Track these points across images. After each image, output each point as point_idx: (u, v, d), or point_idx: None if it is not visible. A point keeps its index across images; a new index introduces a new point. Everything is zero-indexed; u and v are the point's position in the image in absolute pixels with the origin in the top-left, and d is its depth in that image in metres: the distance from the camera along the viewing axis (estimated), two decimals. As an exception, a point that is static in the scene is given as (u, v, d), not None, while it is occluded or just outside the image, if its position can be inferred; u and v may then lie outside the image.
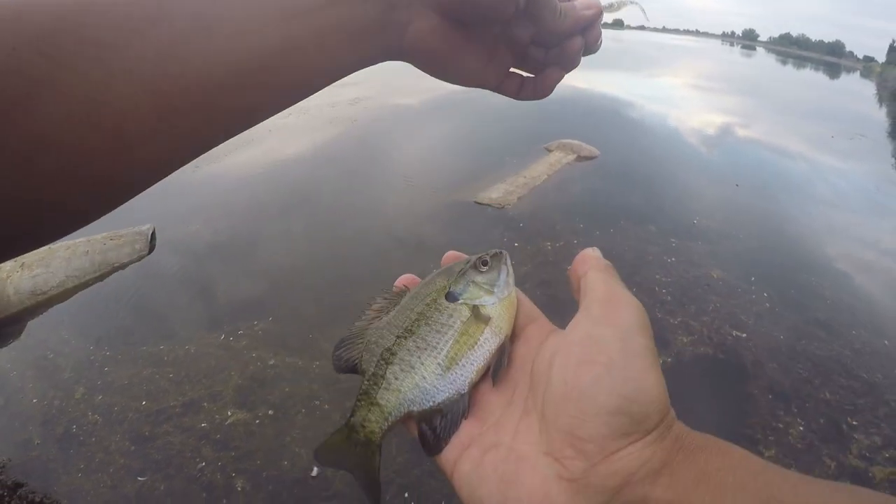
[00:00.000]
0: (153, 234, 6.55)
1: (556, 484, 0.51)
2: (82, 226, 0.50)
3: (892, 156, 14.46)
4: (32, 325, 5.34)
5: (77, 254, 6.02)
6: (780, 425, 3.96)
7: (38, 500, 3.51)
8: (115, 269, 6.04)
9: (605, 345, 0.55)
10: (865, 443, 3.92)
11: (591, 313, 0.59)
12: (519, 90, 0.71)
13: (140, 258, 6.21)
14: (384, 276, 5.85)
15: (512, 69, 0.70)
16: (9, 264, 5.79)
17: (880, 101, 32.73)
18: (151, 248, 6.41)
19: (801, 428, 3.95)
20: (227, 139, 0.53)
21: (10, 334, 5.16)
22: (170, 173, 0.52)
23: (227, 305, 5.53)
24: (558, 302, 5.21)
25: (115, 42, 0.41)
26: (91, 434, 4.00)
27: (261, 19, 0.47)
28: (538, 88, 0.70)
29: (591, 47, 0.69)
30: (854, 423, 4.07)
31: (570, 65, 0.68)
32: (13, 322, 5.28)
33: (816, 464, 3.69)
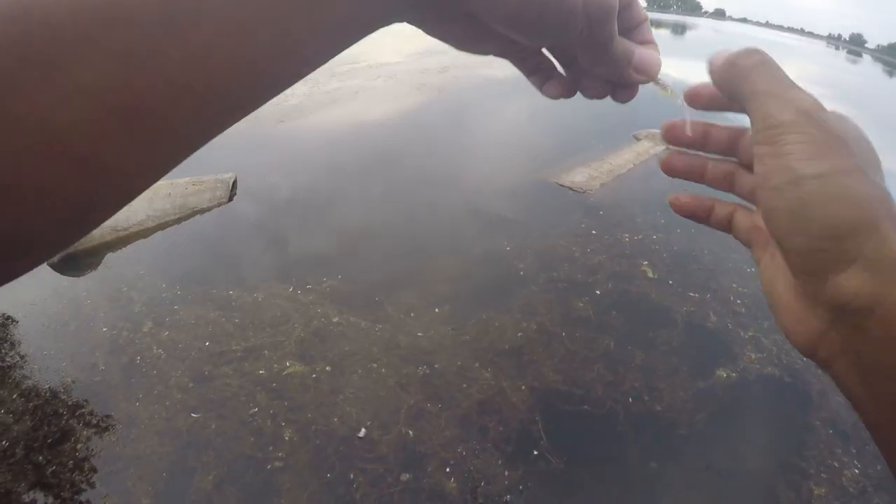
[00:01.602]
0: (234, 182, 6.70)
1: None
2: (54, 255, 0.45)
3: None
4: (111, 257, 5.54)
5: (159, 195, 6.22)
6: (836, 464, 3.77)
7: (95, 421, 3.67)
8: (194, 213, 6.21)
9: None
10: None
11: None
12: (543, 84, 0.63)
13: (219, 205, 6.36)
14: (457, 247, 5.91)
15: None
16: None
17: None
18: (231, 197, 6.57)
19: (857, 471, 3.74)
20: (211, 139, 0.46)
21: (88, 265, 5.36)
22: (151, 185, 0.45)
23: (298, 259, 5.63)
24: (629, 297, 5.17)
25: (63, 56, 0.35)
26: (154, 367, 4.14)
27: (248, 10, 0.39)
28: (566, 90, 0.62)
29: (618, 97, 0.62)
30: None
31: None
32: (92, 254, 5.48)
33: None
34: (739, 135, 0.59)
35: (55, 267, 5.23)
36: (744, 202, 0.61)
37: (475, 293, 5.00)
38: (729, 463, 3.74)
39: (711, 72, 0.55)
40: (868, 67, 58.12)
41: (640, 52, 0.56)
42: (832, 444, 3.93)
